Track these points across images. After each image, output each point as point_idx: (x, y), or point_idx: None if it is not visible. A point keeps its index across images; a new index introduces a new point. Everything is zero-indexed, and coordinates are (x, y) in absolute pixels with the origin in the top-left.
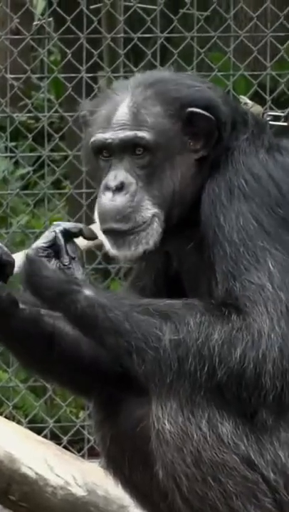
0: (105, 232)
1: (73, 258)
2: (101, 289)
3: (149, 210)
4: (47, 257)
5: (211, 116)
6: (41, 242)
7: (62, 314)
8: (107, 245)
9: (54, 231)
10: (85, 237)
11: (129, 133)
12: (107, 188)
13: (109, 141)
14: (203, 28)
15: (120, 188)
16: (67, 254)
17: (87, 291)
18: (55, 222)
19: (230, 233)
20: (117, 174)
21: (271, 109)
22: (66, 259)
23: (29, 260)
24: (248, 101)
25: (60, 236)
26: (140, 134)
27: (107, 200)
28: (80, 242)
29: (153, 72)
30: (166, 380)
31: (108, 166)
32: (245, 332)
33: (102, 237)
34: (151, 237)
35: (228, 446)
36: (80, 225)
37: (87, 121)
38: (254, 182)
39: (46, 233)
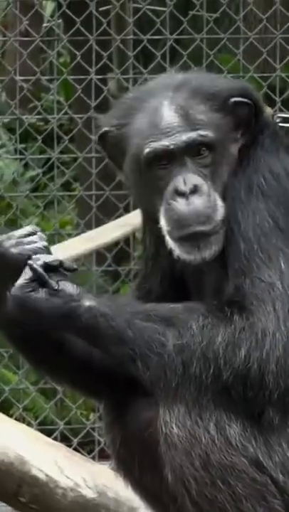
0: (186, 237)
1: (60, 280)
2: (100, 296)
3: (222, 207)
4: (33, 290)
5: (251, 102)
6: (23, 279)
7: (68, 333)
8: (183, 252)
9: (32, 267)
10: (65, 269)
11: (191, 134)
12: (180, 193)
13: (172, 147)
14: (213, 30)
15: (194, 191)
16: (53, 278)
17: (87, 302)
18: (34, 257)
19: (246, 230)
20: (186, 178)
21: (281, 110)
22: (53, 285)
23: (18, 301)
24: None
25: (40, 270)
26: (202, 132)
27: (183, 205)
28: (85, 244)
29: (168, 75)
30: (171, 384)
31: (168, 173)
32: (248, 332)
33: (173, 246)
34: (223, 234)
35: (237, 449)
36: (60, 258)
37: (119, 136)
38: (273, 180)
39: (26, 269)
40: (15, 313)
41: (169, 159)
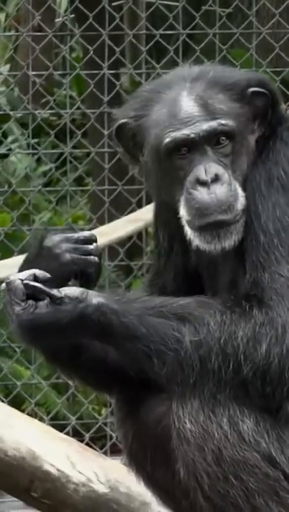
0: (207, 226)
1: (50, 280)
2: (109, 293)
3: (243, 196)
4: (36, 308)
5: (268, 92)
6: (18, 304)
7: (85, 336)
8: (202, 241)
9: (24, 285)
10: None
11: (212, 123)
12: (201, 182)
13: (192, 135)
14: (226, 25)
15: (215, 179)
16: (52, 287)
17: (95, 300)
18: (6, 281)
19: (266, 223)
20: (207, 167)
21: None
22: (56, 293)
23: (26, 324)
24: None
25: (33, 283)
26: (223, 121)
27: (204, 194)
28: (98, 239)
29: (186, 67)
30: (189, 380)
31: (188, 163)
32: (268, 327)
33: (193, 235)
34: (243, 224)
35: (249, 444)
36: (31, 271)
37: (136, 127)
38: None
39: (9, 297)
40: (27, 337)
41: (189, 149)
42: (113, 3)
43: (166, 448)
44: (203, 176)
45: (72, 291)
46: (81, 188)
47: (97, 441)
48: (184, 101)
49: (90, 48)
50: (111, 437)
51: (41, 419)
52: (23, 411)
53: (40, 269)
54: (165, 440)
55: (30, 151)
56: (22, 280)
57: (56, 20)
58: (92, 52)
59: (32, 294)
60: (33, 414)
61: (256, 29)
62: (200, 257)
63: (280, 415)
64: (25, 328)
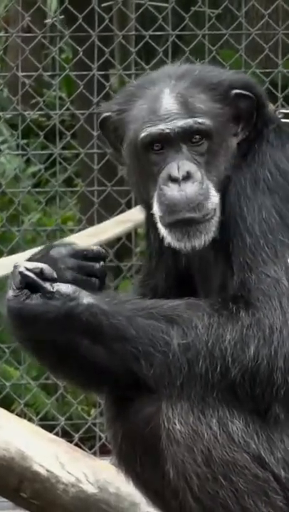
0: (175, 224)
1: (54, 279)
2: (100, 293)
3: (215, 196)
4: (27, 298)
5: (252, 95)
6: (14, 289)
7: (72, 334)
8: (173, 239)
9: (19, 273)
10: (43, 278)
11: (188, 120)
12: (172, 179)
13: (167, 131)
14: (215, 26)
15: (187, 177)
16: (47, 280)
17: (86, 300)
18: (15, 264)
19: (252, 225)
20: (180, 164)
21: (283, 106)
22: (48, 287)
23: (15, 311)
24: None
25: (29, 274)
26: (200, 120)
27: (175, 191)
28: (87, 240)
29: (175, 65)
30: (176, 383)
31: (163, 159)
32: (255, 328)
33: (165, 233)
34: (213, 227)
35: (239, 445)
36: (40, 265)
37: (118, 121)
38: (279, 176)
39: (11, 280)
40: (13, 324)
41: (164, 145)
42: (103, 5)
43: (156, 448)
44: (175, 173)
45: (64, 288)
46: (70, 189)
47: (87, 441)
48: (165, 98)
49: (79, 49)
50: (100, 438)
51: (30, 420)
52: (12, 411)
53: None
54: (154, 441)
55: (20, 151)
56: (25, 268)
57: (46, 21)
58: (81, 53)
59: (31, 285)
60: (22, 415)
61: (245, 30)
62: (191, 259)
63: (268, 416)
64: (13, 315)
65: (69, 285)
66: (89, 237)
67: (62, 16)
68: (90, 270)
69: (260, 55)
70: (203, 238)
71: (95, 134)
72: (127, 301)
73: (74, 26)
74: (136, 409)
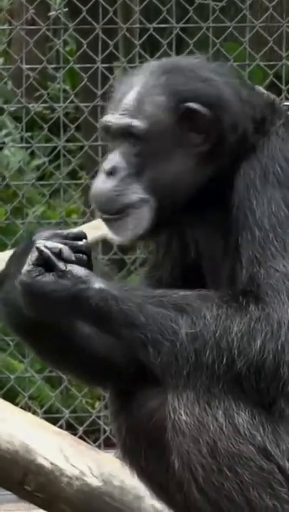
0: (100, 216)
1: (71, 261)
2: (112, 280)
3: (137, 194)
4: (40, 274)
5: (207, 113)
6: (29, 264)
7: (78, 318)
8: (108, 231)
9: (37, 249)
10: (60, 258)
11: (126, 120)
12: (102, 170)
13: (110, 124)
14: (219, 19)
15: (111, 172)
16: (61, 259)
17: (97, 285)
18: (36, 241)
19: (261, 218)
20: (112, 158)
21: (287, 99)
22: (61, 265)
23: (26, 286)
24: (264, 91)
25: (48, 252)
26: (134, 122)
27: (98, 182)
28: (91, 233)
29: (179, 58)
30: (182, 372)
31: (112, 148)
32: (264, 323)
33: (103, 226)
34: (140, 221)
35: (244, 437)
36: (60, 246)
37: (108, 100)
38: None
39: (31, 254)
40: (24, 300)
41: (111, 135)
42: None
43: (161, 441)
44: (104, 165)
45: (78, 270)
46: (74, 181)
47: (91, 434)
48: (132, 92)
49: (83, 41)
50: (104, 431)
51: (35, 413)
52: (16, 404)
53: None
54: (159, 432)
55: (24, 144)
56: (44, 246)
57: (50, 13)
58: (85, 45)
59: (47, 263)
60: (26, 408)
61: (250, 23)
62: (200, 250)
63: (273, 410)
64: (23, 289)
65: (82, 268)
66: (93, 230)
67: (66, 9)
68: (75, 247)
69: (265, 48)
70: (126, 233)
71: (99, 126)
72: (137, 288)
73: (78, 19)
74: (140, 402)
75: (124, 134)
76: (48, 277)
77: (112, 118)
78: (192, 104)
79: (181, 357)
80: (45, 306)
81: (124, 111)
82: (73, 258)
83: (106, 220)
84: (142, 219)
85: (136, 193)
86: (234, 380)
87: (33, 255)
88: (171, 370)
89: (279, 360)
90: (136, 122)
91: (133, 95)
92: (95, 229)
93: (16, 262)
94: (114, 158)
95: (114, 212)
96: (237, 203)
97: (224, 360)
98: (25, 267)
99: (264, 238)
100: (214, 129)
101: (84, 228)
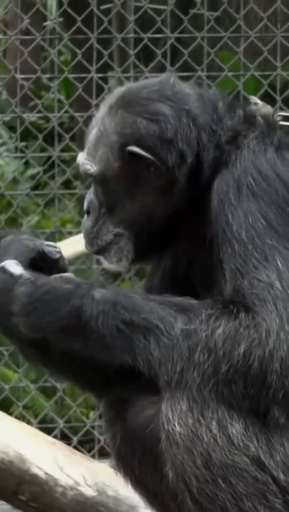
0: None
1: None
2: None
3: (110, 232)
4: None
5: (148, 156)
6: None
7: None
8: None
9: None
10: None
11: (85, 163)
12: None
13: (79, 165)
14: (214, 29)
15: (88, 211)
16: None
17: (96, 292)
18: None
19: (239, 231)
20: (87, 198)
21: (281, 109)
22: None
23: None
24: (258, 101)
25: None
26: (90, 168)
27: (84, 221)
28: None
29: (137, 86)
30: (176, 368)
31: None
32: (252, 330)
33: None
34: (121, 253)
35: (238, 448)
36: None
37: None
38: (262, 181)
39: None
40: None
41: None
42: (101, 7)
43: (155, 451)
44: (84, 205)
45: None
46: (69, 191)
47: (85, 444)
48: (94, 130)
49: (78, 51)
50: (99, 440)
51: (29, 423)
52: (10, 414)
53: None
54: (154, 442)
55: (18, 154)
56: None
57: (44, 23)
58: (80, 55)
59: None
60: (20, 418)
61: (244, 33)
62: (191, 265)
63: (268, 420)
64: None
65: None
66: (73, 245)
67: (61, 19)
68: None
69: (259, 58)
70: (115, 264)
71: None
72: (137, 292)
73: (73, 29)
74: (135, 411)
75: (87, 176)
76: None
77: (80, 159)
78: (133, 148)
79: (176, 353)
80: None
81: (87, 151)
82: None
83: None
84: (123, 251)
85: (110, 231)
86: (224, 383)
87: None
88: (167, 364)
89: (266, 367)
90: (91, 167)
91: (93, 135)
92: (76, 243)
93: None
94: (88, 197)
95: (96, 252)
96: (214, 218)
97: (211, 360)
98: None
99: (244, 251)
100: (160, 168)
101: (79, 238)
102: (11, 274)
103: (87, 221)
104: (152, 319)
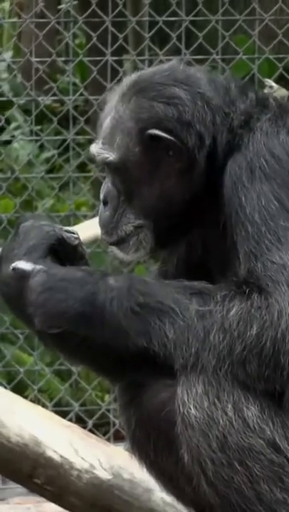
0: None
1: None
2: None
3: (131, 223)
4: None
5: (170, 137)
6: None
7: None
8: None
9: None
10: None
11: (102, 153)
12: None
13: (94, 155)
14: (228, 12)
15: (105, 201)
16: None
17: (111, 277)
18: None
19: (252, 213)
20: (105, 187)
21: None
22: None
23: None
24: (273, 84)
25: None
26: (106, 155)
27: (100, 212)
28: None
29: (149, 72)
30: (192, 350)
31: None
32: (264, 311)
33: None
34: (140, 245)
35: (254, 431)
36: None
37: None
38: (275, 163)
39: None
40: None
41: (99, 165)
42: None
43: (170, 434)
44: (100, 194)
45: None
46: (84, 174)
47: (100, 427)
48: (108, 118)
49: (93, 34)
50: (114, 424)
51: (44, 406)
52: (25, 398)
53: (17, 245)
54: (169, 425)
55: (33, 137)
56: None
57: (59, 6)
58: (95, 38)
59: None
60: (35, 401)
61: (259, 16)
62: (207, 250)
63: (283, 402)
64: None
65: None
66: (86, 230)
67: (75, 2)
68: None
69: (274, 41)
70: (128, 256)
71: None
72: (151, 278)
73: (87, 12)
74: (150, 394)
75: (104, 165)
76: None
77: (94, 149)
78: (153, 131)
79: (191, 334)
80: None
81: (102, 141)
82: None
83: (111, 246)
84: (141, 243)
85: (130, 222)
86: (238, 363)
87: (45, 241)
88: (182, 347)
89: (279, 348)
90: (109, 155)
91: (107, 124)
92: (91, 227)
93: (8, 246)
94: (105, 187)
95: (114, 243)
96: (227, 201)
97: (226, 340)
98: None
99: (257, 233)
100: (181, 149)
101: (94, 221)
102: (23, 271)
103: (104, 211)
104: (167, 302)
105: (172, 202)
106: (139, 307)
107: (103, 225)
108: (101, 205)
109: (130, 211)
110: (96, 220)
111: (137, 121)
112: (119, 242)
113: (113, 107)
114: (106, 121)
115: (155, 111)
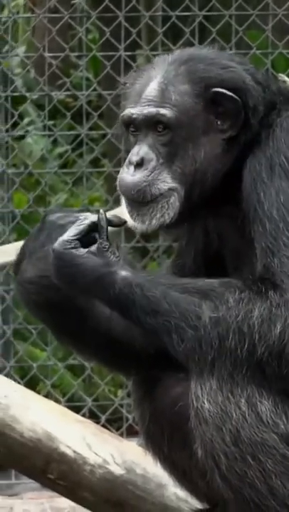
0: (126, 202)
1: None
2: (137, 269)
3: (167, 183)
4: (74, 248)
5: (236, 97)
6: (68, 235)
7: (99, 300)
8: (130, 219)
9: (85, 222)
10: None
11: (152, 109)
12: (130, 162)
13: (135, 116)
14: (242, 6)
15: (140, 163)
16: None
17: (124, 272)
18: (81, 216)
19: (270, 210)
20: (140, 150)
21: None
22: (106, 243)
23: (57, 255)
24: (287, 79)
25: (101, 222)
26: (162, 111)
27: (127, 174)
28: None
29: (194, 49)
30: (207, 358)
31: (135, 141)
32: (283, 308)
33: (125, 213)
34: (167, 210)
35: (268, 425)
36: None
37: (124, 95)
38: None
39: (75, 226)
40: (53, 268)
41: (135, 127)
42: None
43: (184, 428)
44: (132, 157)
45: (109, 254)
46: (97, 169)
47: (114, 422)
48: (153, 82)
49: (106, 29)
50: (127, 419)
51: (57, 401)
52: (38, 393)
53: (40, 242)
54: (183, 420)
55: (47, 132)
56: (82, 221)
57: (72, 1)
58: (108, 33)
59: (87, 238)
60: (48, 396)
61: (272, 11)
62: (223, 240)
63: None
64: (56, 256)
65: (115, 254)
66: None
67: None
68: None
69: (287, 36)
70: (151, 221)
71: (118, 120)
72: (162, 277)
73: (101, 7)
74: (163, 389)
75: (151, 124)
76: (81, 252)
77: (136, 110)
78: (219, 89)
79: (205, 342)
80: (71, 278)
81: (149, 102)
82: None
83: (134, 207)
84: (169, 208)
85: (165, 182)
86: (257, 366)
87: (73, 229)
88: (195, 357)
89: None
90: (163, 111)
91: (155, 86)
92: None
93: (33, 241)
94: (141, 150)
95: (144, 201)
96: (246, 197)
97: (246, 344)
98: (63, 237)
99: (275, 229)
100: (241, 113)
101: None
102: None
103: (136, 173)
104: (174, 316)
105: (209, 172)
106: (149, 317)
107: (135, 184)
108: (129, 168)
109: (167, 174)
110: (114, 212)
111: (198, 81)
112: (151, 202)
113: (157, 74)
114: (150, 86)
115: (217, 72)
